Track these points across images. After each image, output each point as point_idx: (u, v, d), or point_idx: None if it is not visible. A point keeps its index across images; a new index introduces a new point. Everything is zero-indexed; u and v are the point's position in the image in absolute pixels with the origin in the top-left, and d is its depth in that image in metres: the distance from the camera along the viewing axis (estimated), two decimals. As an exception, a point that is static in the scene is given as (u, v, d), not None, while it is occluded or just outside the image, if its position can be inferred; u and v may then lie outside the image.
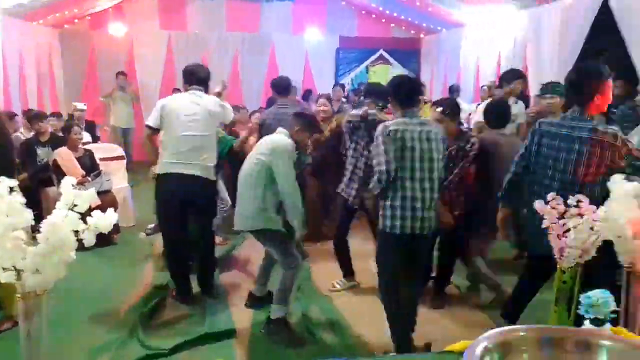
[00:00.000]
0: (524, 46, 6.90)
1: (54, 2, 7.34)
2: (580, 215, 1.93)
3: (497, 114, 3.98)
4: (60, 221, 1.96)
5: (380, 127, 3.01)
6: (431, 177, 3.01)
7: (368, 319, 3.66)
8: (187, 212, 3.92)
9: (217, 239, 4.72)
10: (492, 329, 1.06)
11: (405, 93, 3.10)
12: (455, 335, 3.17)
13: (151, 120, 3.90)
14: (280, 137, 3.55)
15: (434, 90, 9.72)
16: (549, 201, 1.98)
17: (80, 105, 7.55)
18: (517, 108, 5.21)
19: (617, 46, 5.33)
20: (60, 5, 7.87)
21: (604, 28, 5.53)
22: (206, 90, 4.03)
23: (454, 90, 7.99)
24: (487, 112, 4.06)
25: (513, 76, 5.41)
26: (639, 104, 4.65)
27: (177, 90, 9.40)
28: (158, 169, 3.91)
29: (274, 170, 3.40)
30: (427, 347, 3.13)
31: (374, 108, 3.99)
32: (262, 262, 3.92)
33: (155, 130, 3.93)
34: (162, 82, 10.07)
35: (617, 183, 1.97)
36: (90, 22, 9.86)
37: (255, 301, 3.88)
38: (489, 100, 5.48)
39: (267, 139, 3.62)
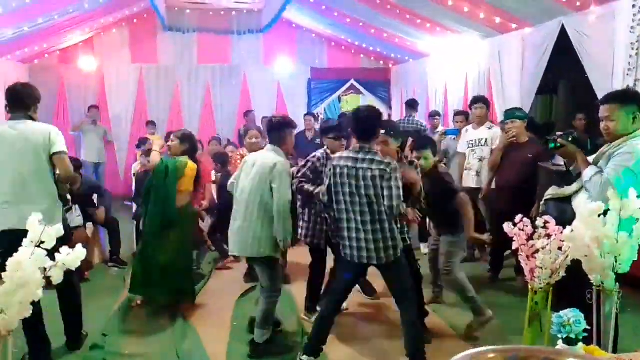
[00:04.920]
0: (489, 73, 7.15)
1: (23, 36, 7.27)
2: (548, 236, 1.98)
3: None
4: (26, 259, 1.91)
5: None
6: (358, 210, 3.10)
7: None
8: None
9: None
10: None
11: (361, 127, 3.19)
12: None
13: None
14: (277, 156, 3.54)
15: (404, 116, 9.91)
16: (517, 223, 2.04)
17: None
18: (491, 133, 5.36)
19: (577, 72, 5.57)
20: (29, 39, 7.81)
21: (565, 52, 5.78)
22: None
23: (410, 105, 8.07)
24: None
25: (474, 101, 5.63)
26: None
27: (150, 123, 9.41)
28: None
29: (274, 187, 3.41)
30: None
31: (336, 145, 4.05)
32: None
33: None
34: (134, 115, 10.03)
35: (582, 203, 2.03)
36: (59, 57, 9.79)
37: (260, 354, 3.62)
38: (468, 127, 5.66)
39: (261, 158, 3.58)
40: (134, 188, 6.76)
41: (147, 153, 6.49)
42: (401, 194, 3.05)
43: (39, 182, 3.28)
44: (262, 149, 3.88)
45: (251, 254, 3.55)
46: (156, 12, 8.76)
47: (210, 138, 7.75)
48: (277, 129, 3.66)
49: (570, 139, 2.97)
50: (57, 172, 3.35)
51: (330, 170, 3.22)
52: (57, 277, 2.15)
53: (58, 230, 2.21)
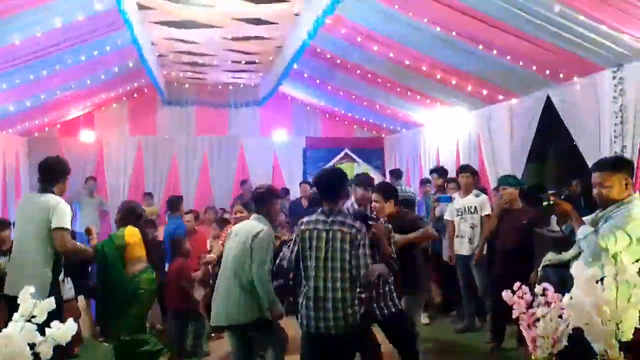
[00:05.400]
0: (479, 141, 7.32)
1: (25, 110, 7.46)
2: (548, 304, 1.96)
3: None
4: (16, 333, 1.86)
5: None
6: (329, 277, 3.00)
7: None
8: None
9: None
10: None
11: (326, 187, 3.19)
12: None
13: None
14: (261, 224, 3.54)
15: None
16: (515, 291, 2.02)
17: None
18: (478, 201, 5.43)
19: (566, 139, 5.72)
20: (31, 114, 8.00)
21: (553, 123, 5.96)
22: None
23: (394, 174, 8.35)
24: None
25: (460, 170, 5.83)
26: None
27: (147, 194, 9.45)
28: None
29: (253, 256, 3.38)
30: None
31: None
32: None
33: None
34: (131, 185, 10.10)
35: (579, 269, 2.03)
36: (60, 130, 9.99)
37: None
38: (455, 194, 5.76)
39: (245, 227, 3.59)
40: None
41: (145, 224, 6.48)
42: (367, 262, 3.00)
43: (36, 252, 3.56)
44: None
45: (239, 320, 3.45)
46: (156, 86, 9.06)
47: (206, 208, 7.78)
48: (262, 199, 3.69)
49: (562, 197, 3.02)
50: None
51: (297, 235, 3.17)
52: (46, 353, 2.09)
53: (50, 303, 2.17)
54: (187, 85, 10.30)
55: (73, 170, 10.56)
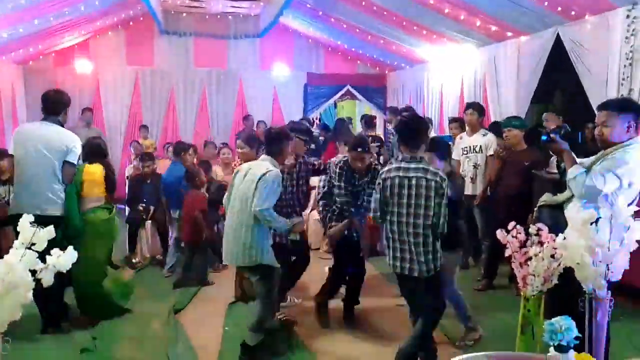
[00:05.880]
0: (484, 80, 7.18)
1: (19, 38, 7.26)
2: (541, 243, 1.99)
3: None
4: (17, 261, 1.90)
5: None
6: (411, 222, 3.04)
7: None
8: None
9: None
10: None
11: (408, 134, 3.17)
12: None
13: None
14: (270, 165, 3.54)
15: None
16: (510, 230, 2.04)
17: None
18: (485, 140, 5.36)
19: (572, 80, 5.61)
20: (25, 41, 7.79)
21: (560, 63, 5.82)
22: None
23: (366, 122, 7.61)
24: None
25: (466, 108, 5.64)
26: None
27: (143, 127, 9.39)
28: None
29: (256, 194, 3.39)
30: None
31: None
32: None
33: None
34: (129, 118, 10.01)
35: (574, 211, 2.04)
36: (54, 59, 9.76)
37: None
38: (462, 134, 5.66)
39: (254, 167, 3.57)
40: (127, 191, 6.72)
41: (142, 157, 6.48)
42: (446, 211, 3.04)
43: (49, 180, 3.87)
44: (251, 158, 4.13)
45: (243, 263, 3.51)
46: (153, 15, 8.76)
47: (205, 142, 7.73)
48: (276, 141, 3.68)
49: (562, 132, 3.00)
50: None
51: (379, 184, 3.19)
52: (47, 280, 2.14)
53: (49, 232, 2.20)
54: (185, 14, 9.96)
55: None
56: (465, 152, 5.48)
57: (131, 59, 10.04)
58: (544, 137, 3.01)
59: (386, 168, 3.23)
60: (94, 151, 4.42)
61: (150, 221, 6.04)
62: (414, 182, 3.03)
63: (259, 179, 3.42)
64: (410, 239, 3.05)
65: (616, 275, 1.83)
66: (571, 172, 2.84)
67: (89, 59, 9.72)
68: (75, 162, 4.01)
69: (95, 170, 4.23)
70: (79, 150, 4.04)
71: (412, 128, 3.21)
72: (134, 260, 5.88)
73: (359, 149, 3.99)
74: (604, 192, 2.67)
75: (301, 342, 3.85)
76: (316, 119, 11.31)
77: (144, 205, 5.99)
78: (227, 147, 6.82)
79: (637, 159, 2.72)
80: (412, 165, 3.07)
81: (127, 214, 6.46)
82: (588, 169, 2.82)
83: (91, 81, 9.82)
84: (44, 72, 9.52)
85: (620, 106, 2.85)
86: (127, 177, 7.26)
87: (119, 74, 9.96)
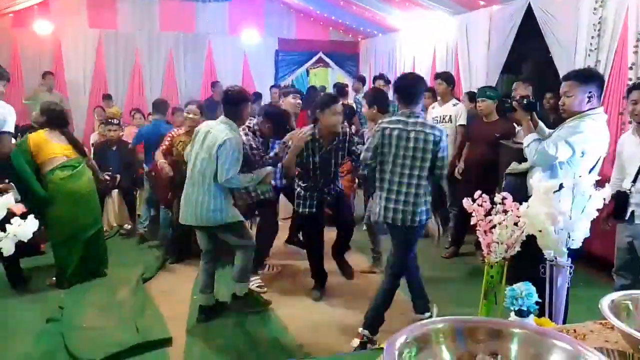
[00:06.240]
0: (456, 49, 7.18)
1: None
2: (505, 212, 2.02)
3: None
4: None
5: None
6: (406, 173, 3.16)
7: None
8: None
9: None
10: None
11: (404, 92, 3.26)
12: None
13: None
14: (229, 131, 3.45)
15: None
16: (476, 199, 2.07)
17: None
18: (455, 110, 5.39)
19: (542, 51, 5.65)
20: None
21: (530, 33, 5.84)
22: None
23: (338, 90, 7.69)
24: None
25: (435, 77, 5.65)
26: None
27: (107, 96, 9.04)
28: None
29: (219, 164, 3.38)
30: (363, 345, 3.17)
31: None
32: (203, 271, 3.80)
33: None
34: (93, 83, 9.66)
35: (538, 180, 2.08)
36: (13, 20, 9.26)
37: (210, 313, 3.74)
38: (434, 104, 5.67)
39: (213, 131, 3.49)
40: (92, 158, 6.51)
41: (107, 123, 6.28)
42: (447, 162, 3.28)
43: None
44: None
45: (207, 224, 3.52)
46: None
47: (173, 109, 7.53)
48: (234, 103, 3.56)
49: (525, 102, 3.07)
50: None
51: (377, 131, 3.23)
52: (8, 249, 2.09)
53: (8, 199, 2.13)
54: (150, -25, 9.58)
55: (29, 65, 10.03)
56: (435, 122, 5.50)
57: (93, 21, 9.62)
58: (507, 106, 3.09)
59: (386, 119, 3.28)
60: (55, 119, 4.28)
61: (116, 190, 5.91)
62: (412, 135, 3.12)
63: (219, 147, 3.37)
64: (403, 189, 3.16)
65: (577, 243, 1.88)
66: (526, 139, 3.00)
67: (49, 20, 9.27)
68: (13, 131, 3.79)
69: (32, 137, 4.18)
70: (13, 118, 3.77)
71: (410, 85, 3.28)
72: (100, 229, 5.77)
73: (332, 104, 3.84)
74: (558, 159, 2.78)
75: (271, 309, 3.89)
76: (287, 86, 11.14)
77: (109, 173, 5.84)
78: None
79: (592, 128, 2.80)
80: (411, 120, 3.16)
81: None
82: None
83: (52, 44, 9.39)
84: (1, 33, 9.05)
85: (583, 76, 2.91)
86: (92, 145, 7.05)
87: (81, 36, 9.54)
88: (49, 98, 8.49)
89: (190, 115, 4.71)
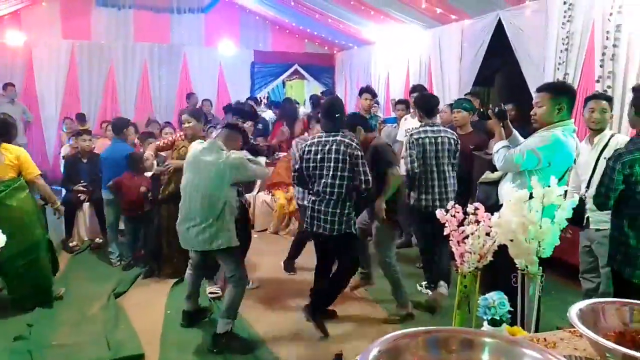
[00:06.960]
0: (429, 62, 7.29)
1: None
2: (477, 222, 2.04)
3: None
4: None
5: (408, 136, 4.22)
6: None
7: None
8: None
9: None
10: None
11: (429, 106, 4.17)
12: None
13: None
14: (225, 149, 3.48)
15: (347, 104, 9.96)
16: (449, 210, 2.08)
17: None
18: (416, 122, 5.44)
19: (512, 65, 5.78)
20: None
21: (501, 47, 5.97)
22: None
23: (313, 102, 8.10)
24: None
25: (411, 91, 5.74)
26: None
27: (81, 115, 8.69)
28: None
29: (234, 177, 3.43)
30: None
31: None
32: (189, 282, 3.79)
33: None
34: (64, 96, 9.48)
35: (509, 190, 2.11)
36: (-18, 30, 9.08)
37: (192, 318, 3.79)
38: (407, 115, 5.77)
39: (210, 154, 3.46)
40: (62, 172, 6.38)
41: (78, 133, 6.15)
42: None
43: None
44: (197, 132, 4.34)
45: (211, 248, 3.41)
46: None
47: (148, 120, 7.45)
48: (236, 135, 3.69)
49: (496, 111, 3.15)
50: None
51: (414, 141, 4.01)
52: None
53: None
54: (123, -15, 9.49)
55: (0, 76, 9.65)
56: (408, 134, 5.56)
57: (67, 32, 9.48)
58: (483, 115, 3.20)
59: (414, 130, 4.14)
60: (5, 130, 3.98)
61: (87, 203, 5.78)
62: (439, 140, 4.03)
63: (224, 165, 3.36)
64: (450, 181, 4.09)
65: (547, 252, 1.91)
66: (495, 146, 3.12)
67: (20, 30, 9.09)
68: None
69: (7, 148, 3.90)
70: None
71: (429, 102, 4.24)
72: (71, 244, 5.62)
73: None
74: (522, 167, 2.87)
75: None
76: (264, 98, 11.14)
77: (84, 185, 5.70)
78: (170, 127, 6.60)
79: (559, 139, 2.87)
80: (435, 128, 4.07)
81: (62, 195, 6.14)
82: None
83: (23, 55, 9.20)
84: (-30, 45, 8.84)
85: (555, 89, 3.01)
86: (63, 157, 6.90)
87: (54, 48, 9.37)
88: (11, 110, 8.28)
89: (186, 125, 4.57)
